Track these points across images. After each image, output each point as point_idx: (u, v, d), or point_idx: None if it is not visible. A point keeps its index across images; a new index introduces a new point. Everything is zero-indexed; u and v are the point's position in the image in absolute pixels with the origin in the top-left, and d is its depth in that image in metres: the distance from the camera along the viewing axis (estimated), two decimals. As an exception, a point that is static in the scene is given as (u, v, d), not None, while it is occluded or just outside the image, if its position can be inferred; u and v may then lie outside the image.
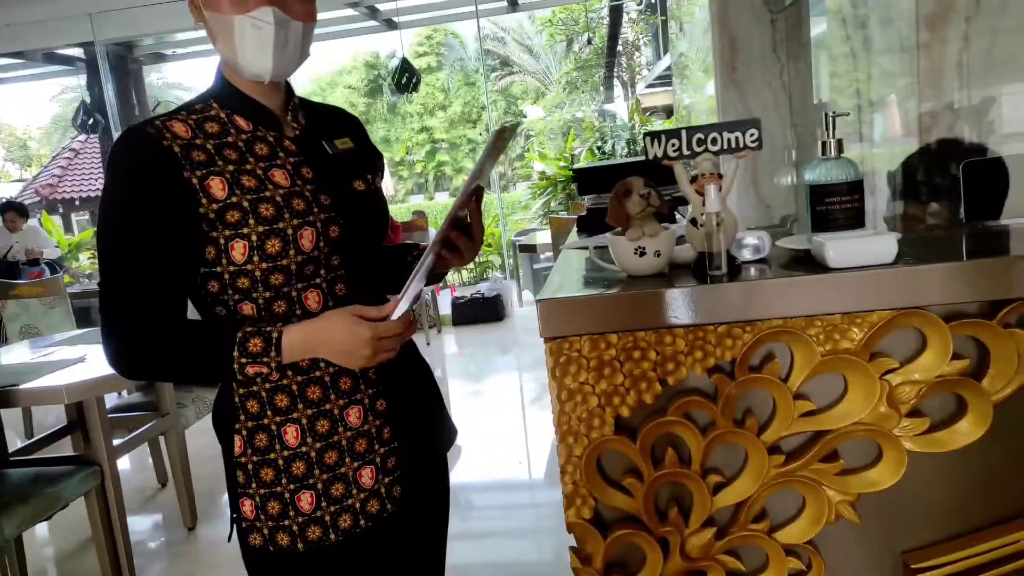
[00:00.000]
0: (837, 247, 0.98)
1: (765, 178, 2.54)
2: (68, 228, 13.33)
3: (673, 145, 1.08)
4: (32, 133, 22.95)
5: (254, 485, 1.02)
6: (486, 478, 3.15)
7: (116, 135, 6.50)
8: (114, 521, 2.34)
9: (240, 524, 1.05)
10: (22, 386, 2.18)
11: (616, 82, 12.62)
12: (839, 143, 1.10)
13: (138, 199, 0.94)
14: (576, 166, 7.62)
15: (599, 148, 8.93)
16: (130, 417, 2.76)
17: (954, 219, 1.34)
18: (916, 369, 0.99)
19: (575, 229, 1.97)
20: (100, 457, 2.30)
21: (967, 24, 1.35)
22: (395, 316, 0.98)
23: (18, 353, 2.77)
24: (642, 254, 1.05)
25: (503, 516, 2.88)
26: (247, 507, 1.03)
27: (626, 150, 8.59)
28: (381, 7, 6.37)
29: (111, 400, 2.81)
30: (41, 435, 2.73)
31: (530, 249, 6.60)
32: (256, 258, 0.96)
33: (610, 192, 1.07)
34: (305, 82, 18.92)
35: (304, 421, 1.02)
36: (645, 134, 1.09)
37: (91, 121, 6.59)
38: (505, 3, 6.57)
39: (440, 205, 14.74)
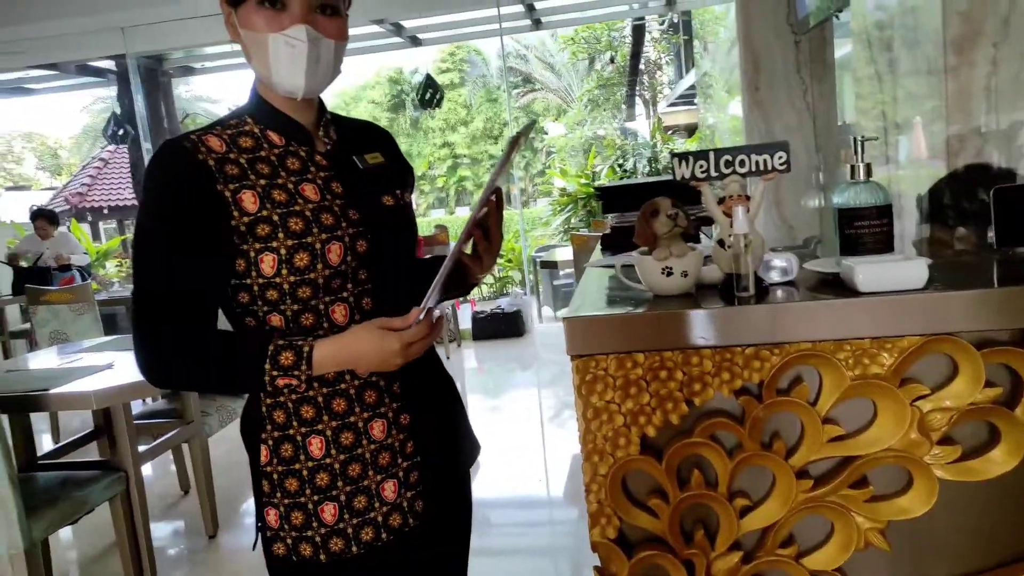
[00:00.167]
0: (867, 271, 0.97)
1: (789, 199, 2.54)
2: (96, 236, 13.58)
3: (701, 166, 1.09)
4: (63, 142, 23.45)
5: (279, 495, 1.03)
6: (505, 495, 3.13)
7: (145, 146, 6.70)
8: (138, 527, 2.37)
9: (265, 533, 1.06)
10: (52, 391, 2.22)
11: (638, 100, 12.64)
12: (868, 167, 1.10)
13: (172, 214, 0.96)
14: (600, 184, 7.63)
15: (620, 166, 8.94)
16: (155, 424, 2.79)
17: (982, 244, 1.33)
18: (947, 396, 0.97)
19: (599, 247, 1.97)
20: (126, 463, 2.34)
21: (995, 49, 1.35)
22: (419, 317, 0.99)
23: (47, 359, 2.82)
24: (669, 274, 1.05)
25: (521, 533, 2.86)
26: (272, 516, 1.04)
27: (647, 168, 8.59)
28: (406, 24, 6.46)
29: (136, 407, 2.84)
30: (68, 439, 2.77)
31: (551, 265, 6.61)
32: (284, 271, 0.98)
33: (634, 211, 1.07)
34: (329, 96, 18.90)
35: (328, 433, 1.03)
36: (672, 155, 1.10)
37: (121, 132, 6.73)
38: (528, 21, 6.63)
39: (461, 220, 14.84)
